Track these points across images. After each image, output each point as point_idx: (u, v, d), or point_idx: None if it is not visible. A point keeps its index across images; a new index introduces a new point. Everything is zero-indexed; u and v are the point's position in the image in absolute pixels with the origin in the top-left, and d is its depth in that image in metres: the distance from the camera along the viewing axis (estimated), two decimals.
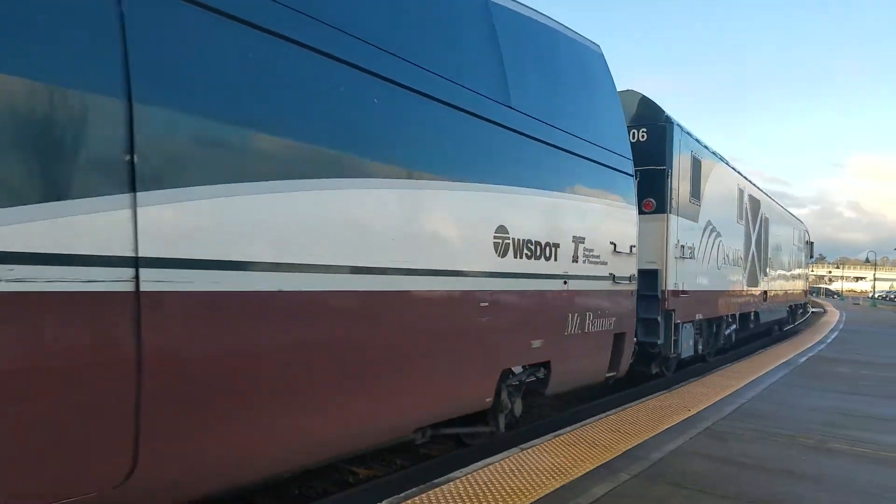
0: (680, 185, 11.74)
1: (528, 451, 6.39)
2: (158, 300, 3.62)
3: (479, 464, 5.95)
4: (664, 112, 11.62)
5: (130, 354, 3.52)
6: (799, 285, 27.66)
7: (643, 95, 11.87)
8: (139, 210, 3.51)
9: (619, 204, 9.15)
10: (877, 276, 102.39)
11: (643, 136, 11.31)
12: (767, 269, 19.73)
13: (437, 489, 5.23)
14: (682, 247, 11.86)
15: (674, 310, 11.47)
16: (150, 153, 3.63)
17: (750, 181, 17.58)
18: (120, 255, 3.45)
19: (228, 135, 4.12)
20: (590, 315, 8.38)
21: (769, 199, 19.88)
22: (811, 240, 31.40)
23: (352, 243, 4.96)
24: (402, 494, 5.13)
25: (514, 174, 6.89)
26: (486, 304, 6.44)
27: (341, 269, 4.86)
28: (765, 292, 19.24)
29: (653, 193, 11.05)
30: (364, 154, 5.15)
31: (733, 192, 15.69)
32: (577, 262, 8.03)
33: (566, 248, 7.78)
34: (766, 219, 19.38)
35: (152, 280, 3.59)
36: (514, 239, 6.80)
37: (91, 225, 3.34)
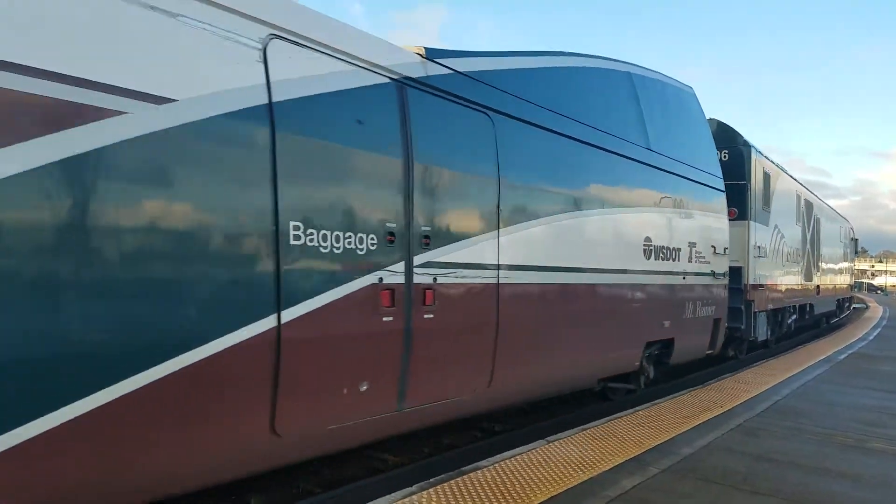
0: (756, 195, 14.51)
1: (555, 443, 6.39)
2: (504, 288, 6.68)
3: (507, 454, 5.99)
4: (741, 136, 14.40)
5: (495, 316, 6.59)
6: (845, 280, 29.60)
7: (719, 121, 14.60)
8: (500, 238, 6.63)
9: (716, 214, 11.73)
10: None
11: (725, 157, 13.87)
12: (819, 265, 21.96)
13: (465, 476, 5.28)
14: (758, 247, 14.58)
15: (753, 300, 14.11)
16: (504, 207, 6.68)
17: (805, 186, 20.02)
18: (494, 263, 6.57)
19: (533, 192, 7.30)
20: (699, 303, 10.91)
21: (819, 201, 22.30)
22: (855, 236, 33.26)
23: (567, 252, 7.74)
24: (431, 479, 5.20)
25: (653, 198, 9.52)
26: (640, 293, 9.18)
27: (569, 269, 7.72)
28: (818, 286, 21.50)
29: (736, 204, 13.27)
30: (582, 195, 8.01)
31: (793, 198, 18.37)
32: (691, 262, 10.57)
33: (685, 252, 10.38)
34: (818, 219, 21.69)
35: (503, 277, 6.66)
36: (654, 246, 9.44)
37: (484, 248, 6.46)
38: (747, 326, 13.99)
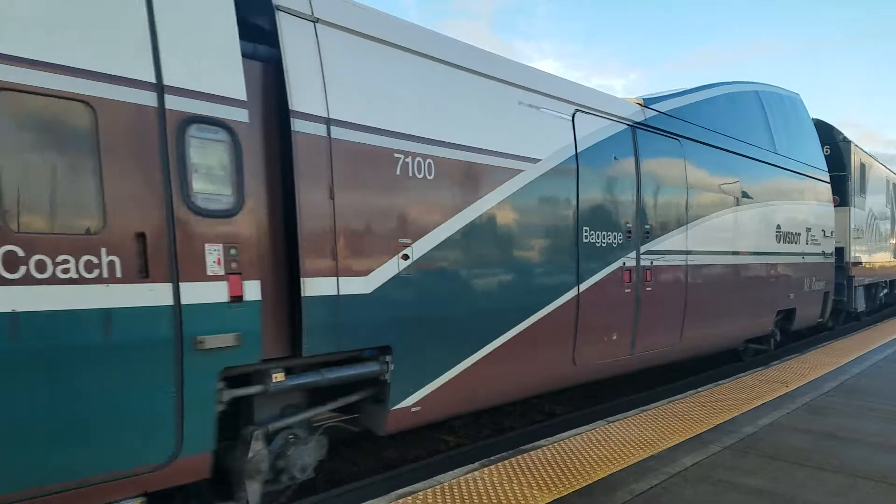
0: (854, 184, 16.58)
1: (615, 423, 6.46)
2: (690, 268, 9.05)
3: (566, 434, 6.10)
4: (840, 133, 16.58)
5: (685, 288, 8.92)
6: None
7: (821, 120, 16.16)
8: (688, 231, 9.03)
9: (824, 203, 13.83)
10: None
11: (827, 151, 15.60)
12: None
13: (524, 454, 5.43)
14: (857, 229, 16.72)
15: (853, 276, 16.20)
16: (689, 207, 9.08)
17: (892, 170, 21.86)
18: (684, 249, 8.94)
19: (705, 195, 9.52)
20: (813, 279, 13.08)
21: None
22: None
23: (728, 239, 10.06)
24: (492, 457, 5.37)
25: (779, 192, 11.70)
26: (773, 271, 11.48)
27: (728, 252, 10.07)
28: None
29: (838, 192, 15.21)
30: (736, 195, 10.22)
31: (883, 184, 20.33)
32: (807, 244, 12.76)
33: (803, 235, 12.56)
34: None
35: (690, 259, 9.02)
36: (783, 231, 11.70)
37: (679, 238, 8.84)
38: (848, 299, 16.14)
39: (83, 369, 3.65)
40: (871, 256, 18.38)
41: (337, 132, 4.93)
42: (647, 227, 8.28)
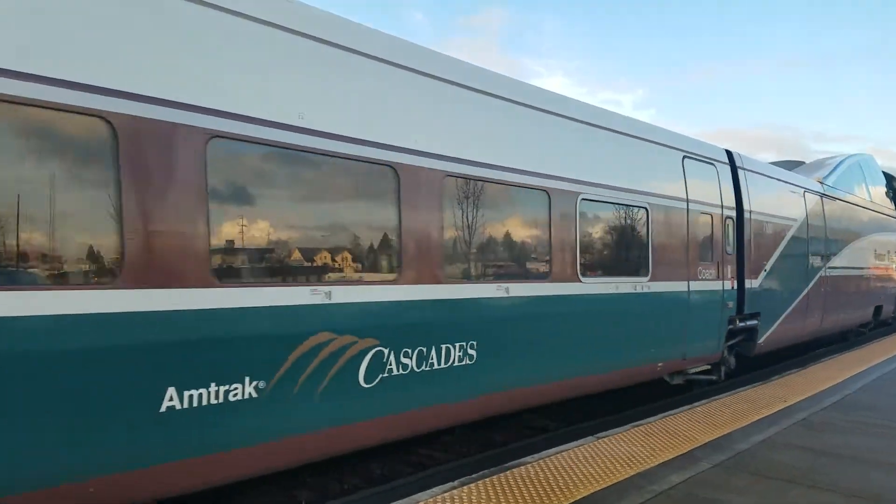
0: None
1: (604, 439, 6.28)
2: (834, 278, 14.77)
3: (553, 450, 5.93)
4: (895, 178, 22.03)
5: (831, 289, 14.60)
6: None
7: (885, 172, 21.10)
8: (840, 256, 15.43)
9: (893, 231, 20.00)
10: None
11: (890, 195, 20.93)
12: None
13: (508, 472, 5.27)
14: None
15: None
16: (840, 244, 15.61)
17: None
18: (841, 266, 15.51)
19: (847, 234, 16.11)
20: (892, 284, 19.46)
21: None
22: None
23: (855, 259, 16.30)
24: (473, 475, 5.21)
25: (874, 227, 18.05)
26: (874, 278, 17.69)
27: (853, 267, 16.15)
28: None
29: None
30: (856, 231, 16.71)
31: None
32: (890, 260, 19.40)
33: (888, 255, 19.02)
34: None
35: (833, 272, 14.74)
36: (876, 252, 18.08)
37: (837, 261, 15.28)
38: None
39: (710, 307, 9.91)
40: None
41: (754, 216, 11.13)
42: (830, 254, 14.51)
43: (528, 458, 5.66)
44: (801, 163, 17.60)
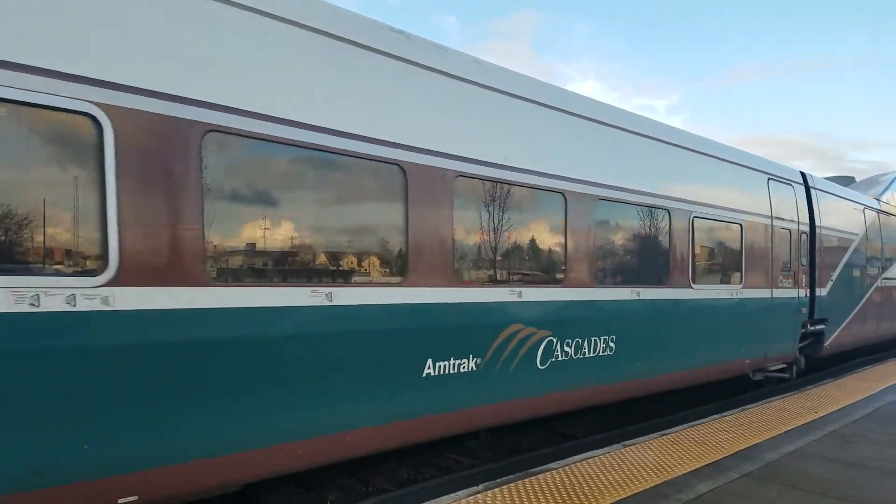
0: None
1: (631, 447, 6.25)
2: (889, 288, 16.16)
3: (579, 457, 5.92)
4: None
5: (889, 297, 16.07)
6: None
7: None
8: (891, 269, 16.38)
9: None
10: None
11: None
12: None
13: (533, 477, 5.27)
14: None
15: None
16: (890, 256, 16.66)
17: None
18: (891, 277, 16.34)
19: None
20: None
21: None
22: None
23: None
24: (498, 480, 5.22)
25: None
26: None
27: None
28: None
29: None
30: None
31: None
32: None
33: None
34: None
35: (887, 283, 15.99)
36: None
37: (888, 273, 16.12)
38: None
39: (788, 312, 11.23)
40: None
41: (823, 231, 12.34)
42: (886, 266, 15.71)
43: (553, 465, 5.66)
44: (851, 178, 18.38)
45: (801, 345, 11.68)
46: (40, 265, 3.79)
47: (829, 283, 12.48)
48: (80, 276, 3.85)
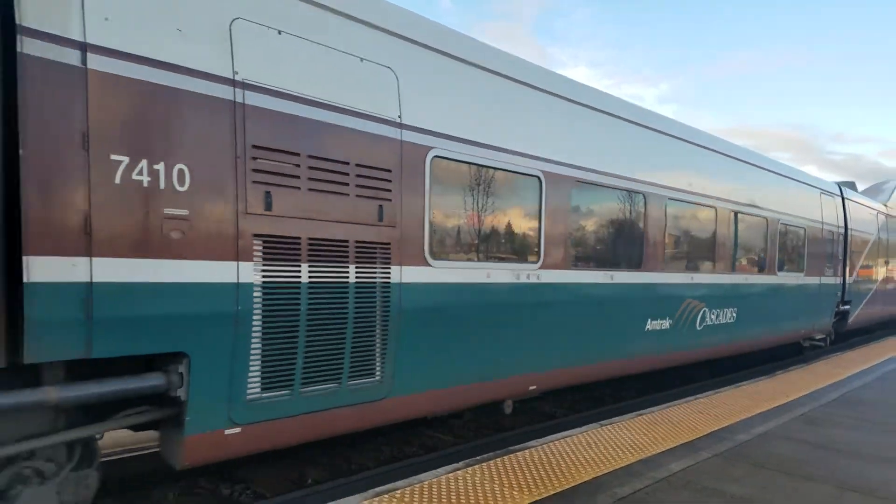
0: None
1: (608, 427, 6.43)
2: None
3: (558, 435, 6.09)
4: None
5: (885, 289, 18.85)
6: None
7: None
8: None
9: None
10: None
11: None
12: None
13: (512, 455, 5.42)
14: None
15: None
16: None
17: None
18: None
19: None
20: None
21: None
22: None
23: None
24: (478, 457, 5.37)
25: None
26: None
27: None
28: None
29: None
30: None
31: None
32: None
33: None
34: None
35: None
36: None
37: None
38: None
39: (829, 295, 14.73)
40: None
41: (852, 232, 16.04)
42: (890, 259, 18.68)
43: (532, 443, 5.82)
44: (853, 184, 20.53)
45: (833, 321, 15.15)
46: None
47: (854, 274, 16.09)
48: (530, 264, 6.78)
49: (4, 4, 3.55)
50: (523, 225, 6.81)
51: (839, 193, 15.41)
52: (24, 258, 3.53)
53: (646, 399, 9.55)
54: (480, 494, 4.50)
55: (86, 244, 3.72)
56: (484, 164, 6.22)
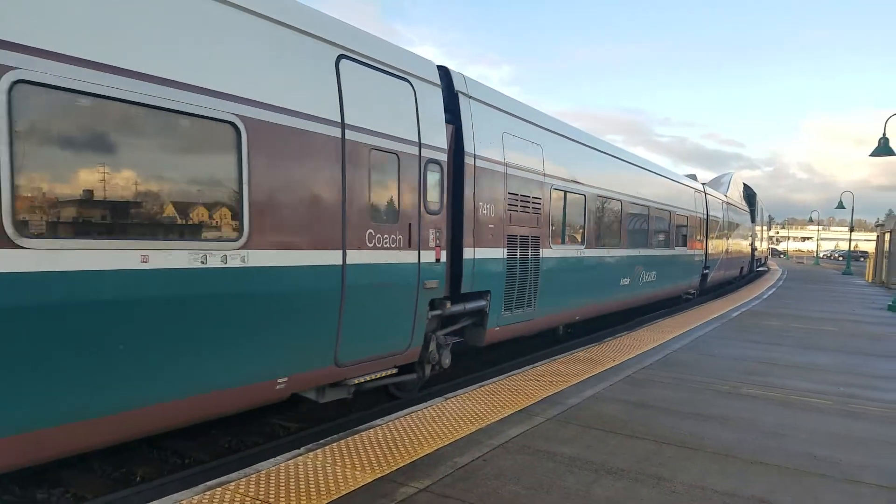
0: (760, 213, 38.70)
1: (452, 399, 6.56)
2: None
3: (403, 412, 6.10)
4: (755, 193, 35.74)
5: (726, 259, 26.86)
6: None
7: (746, 184, 35.14)
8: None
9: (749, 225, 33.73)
10: (822, 236, 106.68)
11: (748, 199, 34.60)
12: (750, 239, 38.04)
13: (357, 435, 5.36)
14: (752, 236, 35.64)
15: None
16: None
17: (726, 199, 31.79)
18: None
19: None
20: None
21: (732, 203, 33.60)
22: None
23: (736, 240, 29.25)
24: (320, 441, 5.25)
25: (742, 219, 31.38)
26: (741, 252, 31.52)
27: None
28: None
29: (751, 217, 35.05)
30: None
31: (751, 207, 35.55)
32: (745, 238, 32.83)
33: (746, 236, 33.17)
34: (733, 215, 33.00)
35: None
36: (742, 234, 30.93)
37: None
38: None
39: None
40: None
41: (710, 217, 22.86)
42: (729, 235, 25.73)
43: (377, 422, 5.78)
44: (694, 176, 24.31)
45: (699, 281, 20.86)
46: None
47: (710, 247, 21.76)
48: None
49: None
50: None
51: (702, 190, 21.57)
52: (465, 249, 8.08)
53: (492, 370, 9.88)
54: (321, 478, 4.40)
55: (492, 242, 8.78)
56: None
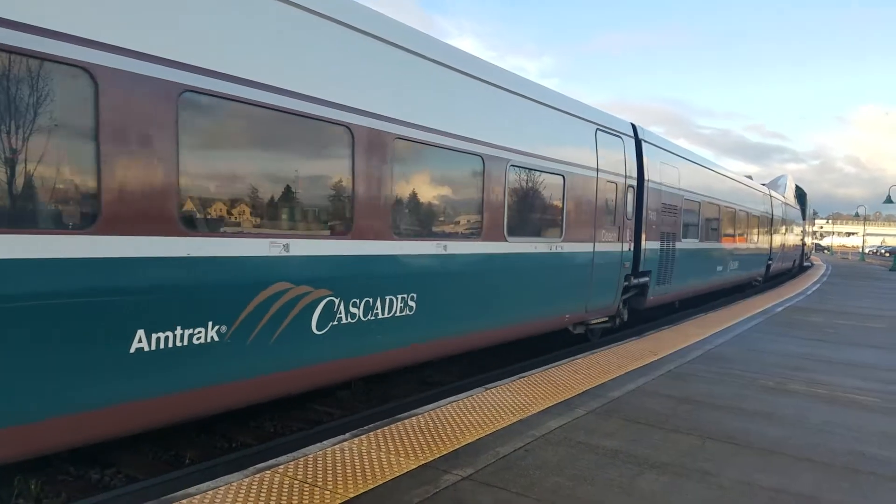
0: (808, 211, 43.30)
1: (492, 390, 6.60)
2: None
3: (443, 401, 6.17)
4: (805, 193, 39.39)
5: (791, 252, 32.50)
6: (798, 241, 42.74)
7: (798, 185, 38.43)
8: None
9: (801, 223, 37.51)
10: (868, 231, 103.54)
11: (801, 200, 38.33)
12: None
13: (399, 423, 5.44)
14: (804, 232, 40.64)
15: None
16: None
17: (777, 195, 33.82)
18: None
19: None
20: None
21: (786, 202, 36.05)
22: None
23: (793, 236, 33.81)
24: (366, 427, 5.35)
25: (797, 217, 35.94)
26: (794, 245, 35.99)
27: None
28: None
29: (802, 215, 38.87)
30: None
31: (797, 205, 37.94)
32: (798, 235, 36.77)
33: (799, 232, 37.39)
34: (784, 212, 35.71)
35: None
36: (795, 231, 35.06)
37: None
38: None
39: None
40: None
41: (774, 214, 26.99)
42: (788, 230, 29.70)
43: (419, 410, 5.86)
44: (750, 178, 25.49)
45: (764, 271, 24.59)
46: None
47: (775, 242, 25.34)
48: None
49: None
50: None
51: (768, 192, 25.23)
52: (643, 242, 12.14)
53: (530, 363, 9.89)
54: (367, 463, 4.49)
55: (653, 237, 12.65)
56: None
